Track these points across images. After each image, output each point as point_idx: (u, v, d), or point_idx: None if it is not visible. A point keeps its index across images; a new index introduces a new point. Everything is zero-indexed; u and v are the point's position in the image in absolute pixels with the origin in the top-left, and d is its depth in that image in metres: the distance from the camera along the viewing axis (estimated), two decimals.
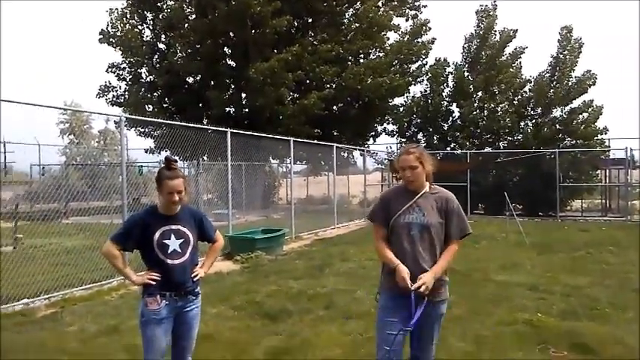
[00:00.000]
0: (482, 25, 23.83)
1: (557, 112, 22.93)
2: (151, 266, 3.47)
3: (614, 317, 6.18)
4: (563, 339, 5.35)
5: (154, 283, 3.40)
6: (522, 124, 23.43)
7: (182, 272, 3.47)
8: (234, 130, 12.32)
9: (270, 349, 5.18)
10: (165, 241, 3.44)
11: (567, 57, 22.50)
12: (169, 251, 3.44)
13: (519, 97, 23.51)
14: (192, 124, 12.52)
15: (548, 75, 22.96)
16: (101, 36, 22.28)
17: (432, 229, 3.34)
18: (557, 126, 22.54)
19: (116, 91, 23.28)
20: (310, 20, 23.46)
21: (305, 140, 16.83)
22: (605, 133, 22.07)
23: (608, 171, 22.91)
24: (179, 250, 3.47)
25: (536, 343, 5.26)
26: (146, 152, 23.52)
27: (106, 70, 23.18)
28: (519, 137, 23.25)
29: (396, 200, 3.46)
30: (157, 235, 3.43)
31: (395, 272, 3.26)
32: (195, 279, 3.56)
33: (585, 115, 22.22)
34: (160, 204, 3.53)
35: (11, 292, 7.07)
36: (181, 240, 3.49)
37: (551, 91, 22.50)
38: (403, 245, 3.35)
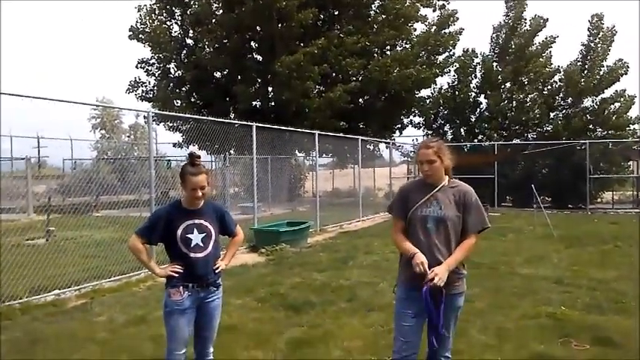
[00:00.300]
0: (511, 14, 23.48)
1: (587, 102, 22.54)
2: (175, 259, 3.58)
3: None
4: (587, 332, 5.31)
5: (176, 275, 3.51)
6: (552, 114, 23.08)
7: (204, 265, 3.57)
8: (260, 124, 12.41)
9: (292, 339, 5.26)
10: (189, 235, 3.54)
11: (599, 45, 22.03)
12: (192, 245, 3.54)
13: (549, 87, 23.14)
14: (218, 119, 12.66)
15: (579, 64, 22.53)
16: (131, 32, 22.64)
17: (448, 222, 3.36)
18: (588, 116, 22.14)
19: (145, 86, 23.67)
20: (336, 13, 23.39)
21: (330, 133, 16.86)
22: (638, 123, 21.65)
23: None
24: (201, 244, 3.57)
25: (558, 336, 5.24)
26: (174, 146, 23.93)
27: (136, 66, 23.61)
28: (549, 128, 22.90)
29: (415, 193, 3.49)
30: (180, 229, 3.53)
31: (412, 263, 3.29)
32: (217, 271, 3.66)
33: (617, 105, 21.80)
34: (183, 198, 3.64)
35: (43, 283, 7.30)
36: (204, 234, 3.59)
37: (582, 80, 22.05)
38: (419, 237, 3.38)
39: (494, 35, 24.11)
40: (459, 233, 3.42)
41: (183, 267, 3.53)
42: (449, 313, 3.43)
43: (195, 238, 3.56)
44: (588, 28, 22.37)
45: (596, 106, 22.12)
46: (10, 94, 6.85)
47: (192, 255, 3.53)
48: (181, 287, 3.52)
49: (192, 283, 3.54)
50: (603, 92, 22.06)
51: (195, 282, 3.55)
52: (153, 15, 22.93)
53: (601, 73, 22.02)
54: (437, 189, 3.43)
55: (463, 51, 24.38)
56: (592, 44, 22.26)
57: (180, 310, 3.51)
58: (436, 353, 3.53)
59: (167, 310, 3.55)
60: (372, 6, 23.72)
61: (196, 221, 3.58)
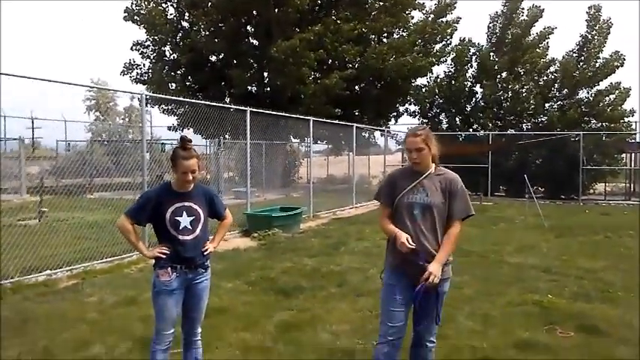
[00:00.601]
0: (508, 4, 23.40)
1: (582, 94, 22.55)
2: (163, 241, 3.60)
3: (626, 301, 6.18)
4: (572, 320, 5.39)
5: (164, 256, 3.53)
6: (547, 105, 23.11)
7: (193, 248, 3.59)
8: (254, 109, 12.39)
9: (281, 322, 5.32)
10: (177, 218, 3.56)
11: (595, 37, 22.02)
12: (181, 227, 3.56)
13: (545, 78, 23.14)
14: (213, 103, 12.63)
15: (575, 56, 22.53)
16: (126, 14, 22.43)
17: (434, 209, 3.40)
18: (583, 108, 22.14)
19: (140, 69, 23.47)
20: None
21: (324, 120, 16.84)
22: (632, 116, 21.75)
23: (633, 154, 22.52)
24: (190, 227, 3.59)
25: (544, 323, 5.31)
26: (169, 129, 23.86)
27: (131, 48, 23.38)
28: (544, 119, 22.96)
29: (402, 180, 3.53)
30: (169, 211, 3.55)
31: (397, 246, 3.33)
32: (205, 253, 3.68)
33: (612, 97, 21.83)
34: (174, 181, 3.66)
35: (35, 263, 7.32)
36: (192, 217, 3.61)
37: (577, 72, 22.07)
38: (406, 223, 3.42)
39: (490, 25, 24.03)
40: (445, 220, 3.46)
41: (171, 249, 3.55)
42: (435, 298, 3.47)
43: (184, 220, 3.58)
44: (586, 19, 22.34)
45: (591, 98, 22.15)
46: (4, 74, 6.87)
47: (180, 237, 3.55)
48: (169, 268, 3.54)
49: (180, 265, 3.56)
50: (598, 84, 22.10)
51: (183, 264, 3.57)
52: None
53: (597, 64, 22.01)
54: (424, 176, 3.47)
55: (460, 40, 24.33)
56: (589, 36, 22.23)
57: (169, 291, 3.53)
58: (421, 338, 3.59)
59: (155, 290, 3.58)
60: None
61: (186, 204, 3.59)
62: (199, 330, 3.80)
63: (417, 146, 3.43)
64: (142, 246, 3.71)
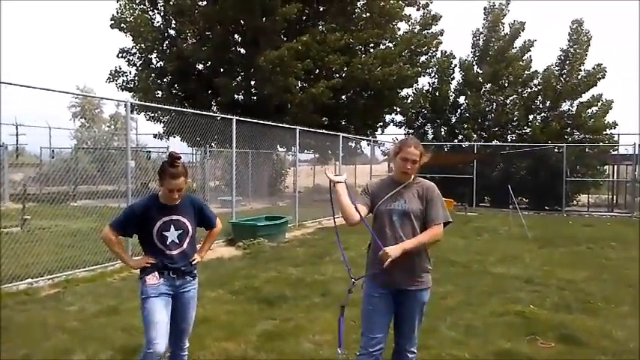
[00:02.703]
0: (489, 19, 23.74)
1: (565, 106, 22.82)
2: (149, 253, 3.56)
3: (606, 311, 6.25)
4: (553, 331, 5.44)
5: (149, 266, 3.51)
6: (530, 117, 23.37)
7: (179, 260, 3.57)
8: (240, 118, 12.39)
9: (263, 332, 5.31)
10: (165, 233, 3.53)
11: (577, 50, 22.34)
12: (168, 242, 3.53)
13: (528, 90, 23.42)
14: (199, 111, 12.62)
15: (558, 69, 22.84)
16: (112, 21, 22.36)
17: (412, 215, 3.45)
18: (566, 120, 22.42)
19: (126, 76, 23.36)
20: (321, 8, 23.40)
21: (311, 129, 16.89)
22: (614, 128, 21.98)
23: (616, 166, 22.82)
24: (177, 241, 3.57)
25: (525, 334, 5.35)
26: (155, 137, 23.75)
27: (117, 56, 23.28)
28: (527, 130, 23.19)
29: (380, 189, 3.58)
30: (156, 226, 3.51)
31: (377, 256, 3.33)
32: (193, 263, 3.66)
33: (594, 109, 22.10)
34: (161, 193, 3.59)
35: (16, 271, 7.24)
36: (180, 231, 3.58)
37: (560, 84, 22.36)
38: (385, 230, 3.46)
39: (474, 38, 24.34)
40: (423, 227, 3.49)
41: (158, 261, 3.51)
42: (413, 309, 3.50)
43: (172, 235, 3.55)
44: (568, 33, 22.68)
45: (574, 110, 22.43)
46: None
47: (167, 252, 3.53)
48: (157, 272, 3.50)
49: (167, 271, 3.53)
50: (581, 96, 22.39)
51: (170, 270, 3.53)
52: (134, 4, 22.67)
53: (579, 77, 22.32)
54: (402, 185, 3.52)
55: (442, 53, 24.61)
56: (571, 49, 22.55)
57: (156, 294, 3.46)
58: (402, 348, 3.60)
59: (143, 297, 3.49)
60: (358, 3, 23.77)
61: (173, 217, 3.56)
62: (187, 344, 3.74)
63: (414, 158, 3.48)
64: (127, 257, 3.70)
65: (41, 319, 5.62)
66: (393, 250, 3.28)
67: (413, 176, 3.56)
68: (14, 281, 6.99)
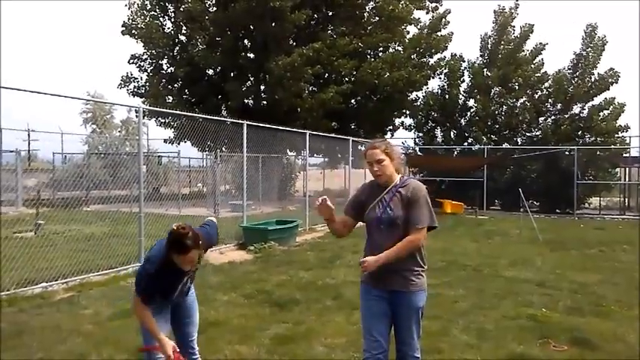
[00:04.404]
0: (499, 21, 23.71)
1: (577, 109, 22.70)
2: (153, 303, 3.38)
3: (619, 314, 6.22)
4: (566, 334, 5.42)
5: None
6: (541, 119, 23.27)
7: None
8: (251, 123, 12.44)
9: (276, 335, 5.34)
10: (184, 289, 3.54)
11: (590, 54, 22.23)
12: (185, 290, 3.56)
13: (538, 92, 23.33)
14: (209, 116, 12.68)
15: (570, 72, 22.74)
16: (124, 28, 22.58)
17: (398, 222, 3.36)
18: (577, 122, 22.30)
19: (137, 82, 23.61)
20: (330, 13, 23.49)
21: (321, 133, 16.93)
22: (626, 131, 21.83)
23: (628, 169, 22.65)
24: (189, 285, 3.60)
25: (537, 337, 5.34)
26: (165, 142, 23.92)
27: (128, 62, 23.53)
28: (538, 133, 23.10)
29: (368, 195, 3.54)
30: (177, 290, 3.45)
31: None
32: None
33: (606, 112, 21.95)
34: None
35: (31, 275, 7.32)
36: (191, 284, 3.64)
37: (571, 87, 22.26)
38: (374, 238, 3.44)
39: (482, 42, 24.29)
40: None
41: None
42: (408, 312, 3.41)
43: (188, 285, 3.58)
44: (582, 37, 22.61)
45: (585, 113, 22.32)
46: (2, 87, 6.93)
47: (176, 299, 3.54)
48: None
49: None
50: (593, 100, 22.27)
51: None
52: (145, 11, 22.88)
53: (592, 80, 22.22)
54: (386, 191, 3.45)
55: (451, 55, 24.57)
56: (584, 52, 22.45)
57: (159, 311, 3.38)
58: (404, 354, 3.49)
59: None
60: (366, 7, 23.82)
61: (191, 276, 3.54)
62: (196, 347, 3.71)
63: (377, 157, 3.40)
64: (164, 340, 3.30)
65: (56, 322, 5.69)
66: (370, 265, 3.29)
67: (399, 177, 3.50)
68: (29, 285, 7.07)
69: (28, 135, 28.44)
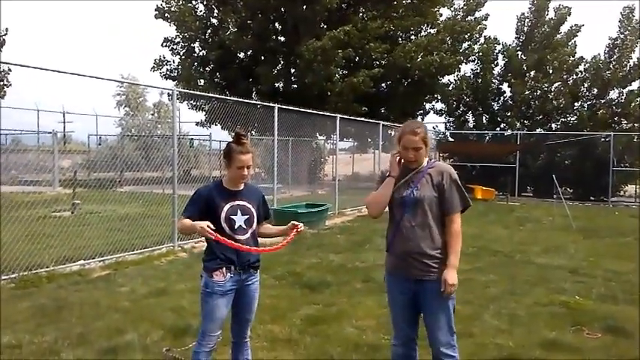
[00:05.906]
0: (535, 2, 23.15)
1: (613, 94, 22.17)
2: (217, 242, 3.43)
3: None
4: (599, 322, 5.35)
5: (213, 230, 3.29)
6: (577, 105, 22.77)
7: (246, 244, 3.47)
8: (282, 106, 12.46)
9: (307, 316, 5.41)
10: (232, 217, 3.46)
11: (628, 37, 21.61)
12: (236, 227, 3.46)
13: (574, 77, 22.80)
14: (241, 99, 12.76)
15: (606, 56, 22.17)
16: (157, 12, 22.79)
17: (425, 203, 3.28)
18: (614, 108, 21.77)
19: (170, 65, 23.86)
20: None
21: (351, 117, 16.88)
22: None
23: None
24: (244, 227, 3.50)
25: (570, 324, 5.29)
26: (197, 125, 24.18)
27: (161, 45, 23.78)
28: (573, 119, 22.63)
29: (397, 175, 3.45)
30: (224, 210, 3.45)
31: (395, 247, 3.35)
32: (300, 229, 3.64)
33: None
34: (225, 178, 3.54)
35: (69, 253, 7.56)
36: (247, 216, 3.51)
37: (608, 72, 21.70)
38: (398, 220, 3.36)
39: (518, 23, 23.78)
40: (438, 214, 3.32)
41: (226, 249, 3.40)
42: (432, 300, 3.30)
43: (239, 219, 3.48)
44: (619, 19, 21.99)
45: (622, 99, 21.76)
46: (38, 68, 7.12)
47: (236, 237, 3.43)
48: (224, 269, 3.43)
49: (234, 265, 3.45)
50: (630, 85, 21.71)
51: (237, 265, 3.46)
52: None
53: (629, 65, 21.63)
54: (414, 172, 3.37)
55: (485, 39, 24.11)
56: (621, 36, 21.84)
57: (222, 292, 3.42)
58: (436, 349, 3.37)
59: (207, 290, 3.45)
60: None
61: (239, 202, 3.50)
62: (249, 333, 3.73)
63: (416, 145, 3.29)
64: (196, 223, 3.35)
65: (94, 299, 5.85)
66: (454, 285, 3.22)
67: (426, 159, 3.42)
68: (67, 263, 7.29)
69: (64, 117, 29.07)
